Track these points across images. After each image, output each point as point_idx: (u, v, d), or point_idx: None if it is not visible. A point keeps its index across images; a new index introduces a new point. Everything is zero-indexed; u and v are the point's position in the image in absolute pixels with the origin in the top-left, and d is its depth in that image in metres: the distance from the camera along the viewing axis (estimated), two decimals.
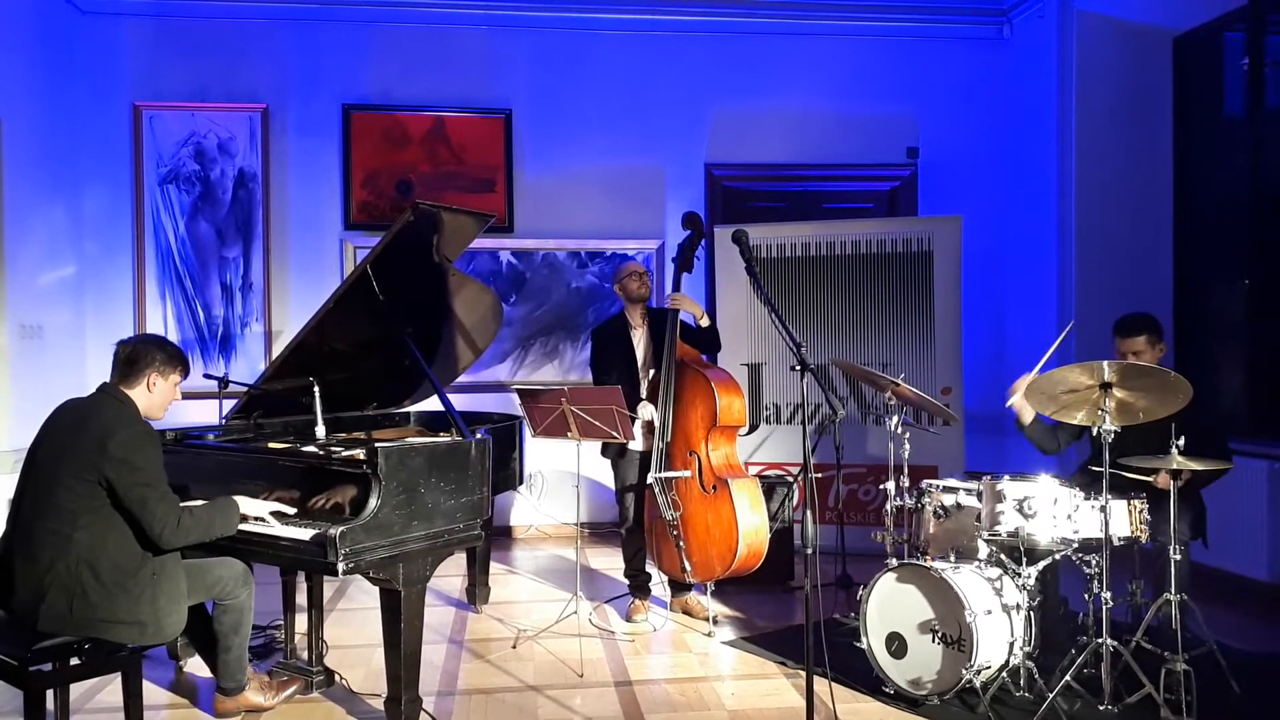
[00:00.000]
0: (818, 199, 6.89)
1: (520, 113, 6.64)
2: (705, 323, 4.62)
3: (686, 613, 4.75)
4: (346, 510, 3.21)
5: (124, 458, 2.96)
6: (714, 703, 3.69)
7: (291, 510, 3.33)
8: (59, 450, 3.02)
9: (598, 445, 4.62)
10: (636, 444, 4.52)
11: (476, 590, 4.88)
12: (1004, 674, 3.52)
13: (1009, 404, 4.06)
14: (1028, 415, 4.06)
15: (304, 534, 3.13)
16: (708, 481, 4.39)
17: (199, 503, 3.22)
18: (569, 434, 4.19)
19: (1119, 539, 3.56)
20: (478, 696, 3.75)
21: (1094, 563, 3.52)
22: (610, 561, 5.70)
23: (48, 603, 2.93)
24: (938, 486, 4.00)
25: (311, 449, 3.51)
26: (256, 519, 3.26)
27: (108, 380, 3.17)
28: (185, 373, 3.30)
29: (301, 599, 3.95)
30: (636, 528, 4.65)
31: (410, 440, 3.45)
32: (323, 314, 3.66)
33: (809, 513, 2.95)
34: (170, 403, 3.25)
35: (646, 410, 4.50)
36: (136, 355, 3.18)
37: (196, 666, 3.87)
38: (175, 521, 3.01)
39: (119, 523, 3.00)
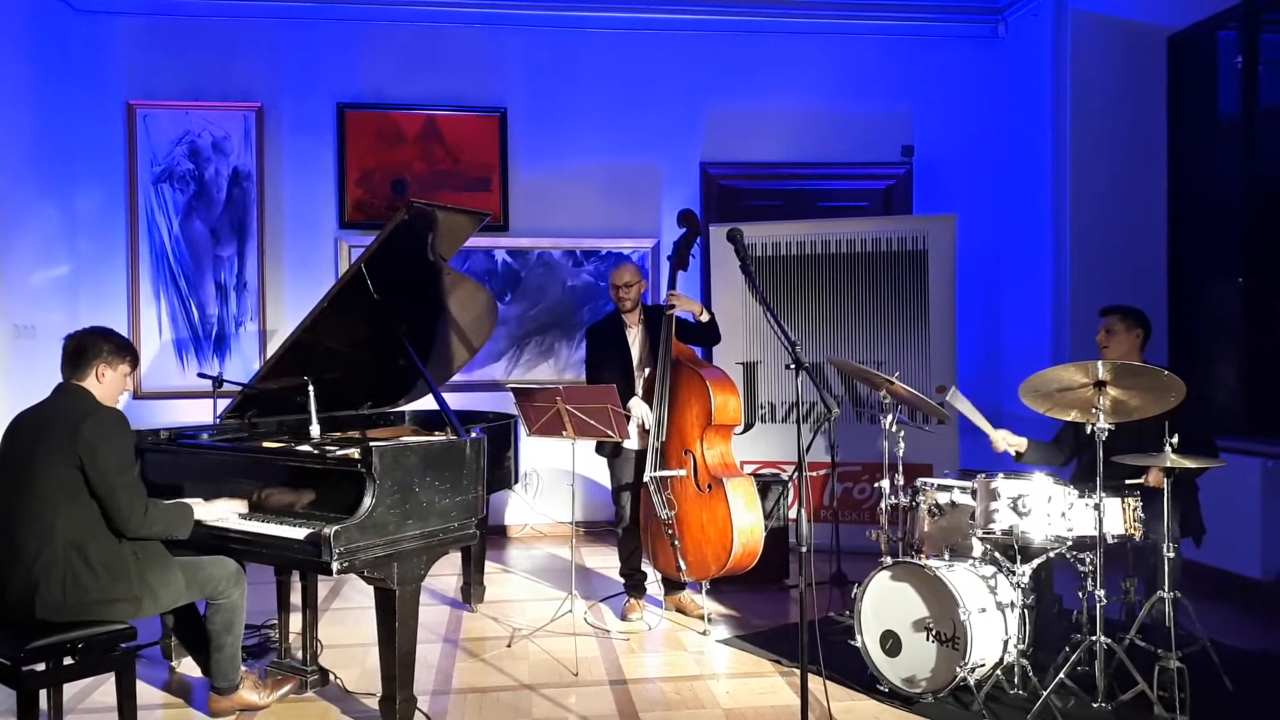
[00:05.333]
0: (813, 197, 6.89)
1: (515, 111, 6.64)
2: (705, 318, 4.62)
3: (680, 611, 4.75)
4: (341, 509, 3.21)
5: (96, 442, 2.99)
6: (709, 701, 3.69)
7: (243, 505, 3.36)
8: (32, 445, 3.04)
9: (593, 444, 4.62)
10: (632, 443, 4.52)
11: (471, 589, 4.88)
12: (998, 672, 3.53)
13: (998, 449, 4.14)
14: (1020, 445, 4.15)
15: (298, 533, 3.12)
16: (703, 480, 4.39)
17: (164, 502, 3.23)
18: (564, 433, 4.19)
19: (1113, 537, 3.57)
20: (472, 695, 3.75)
21: (1088, 560, 3.53)
22: (605, 560, 5.70)
23: (41, 592, 2.95)
24: (932, 485, 4.01)
25: (306, 448, 3.50)
26: (217, 520, 3.29)
27: (61, 380, 3.18)
28: (134, 363, 3.28)
29: (296, 598, 3.94)
30: (633, 527, 4.65)
31: (405, 439, 3.45)
32: (317, 313, 3.65)
33: (804, 511, 2.95)
34: (120, 393, 3.24)
35: (638, 408, 4.48)
36: (83, 347, 3.16)
37: (190, 666, 3.85)
38: (143, 510, 3.05)
39: (97, 509, 3.04)
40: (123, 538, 3.08)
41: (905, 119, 6.91)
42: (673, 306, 4.51)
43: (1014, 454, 4.17)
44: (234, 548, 3.31)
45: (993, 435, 4.15)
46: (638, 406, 4.48)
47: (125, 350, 3.24)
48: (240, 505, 3.37)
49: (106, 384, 3.17)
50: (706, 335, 4.72)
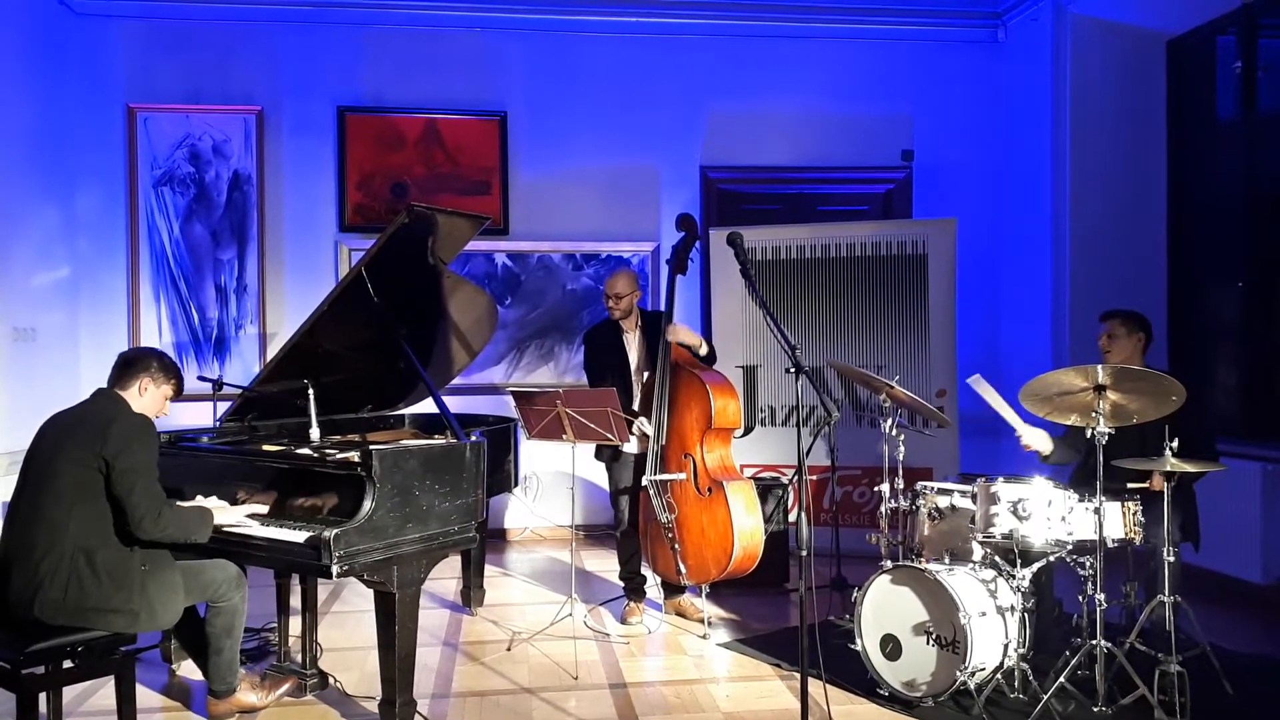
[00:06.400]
0: (813, 201, 6.90)
1: (515, 115, 6.64)
2: (704, 351, 4.56)
3: (680, 614, 4.75)
4: (341, 512, 3.21)
5: (123, 442, 3.04)
6: (709, 705, 3.69)
7: (264, 508, 3.37)
8: (59, 441, 3.09)
9: (593, 448, 4.61)
10: (631, 446, 4.52)
11: (471, 593, 4.88)
12: (998, 676, 3.53)
13: (1027, 446, 4.07)
14: (1047, 446, 4.10)
15: (298, 536, 3.13)
16: (703, 484, 4.39)
17: (182, 504, 3.26)
18: (564, 436, 4.19)
19: (1113, 541, 3.57)
20: (472, 699, 3.75)
21: (1088, 564, 3.52)
22: (605, 564, 5.70)
23: (43, 590, 2.96)
24: (932, 488, 4.01)
25: (306, 451, 3.50)
26: (233, 525, 3.29)
27: (103, 386, 3.26)
28: (178, 388, 3.36)
29: (296, 601, 3.94)
30: (632, 530, 4.65)
31: (405, 443, 3.45)
32: (317, 316, 3.65)
33: (804, 515, 2.95)
34: (157, 414, 3.29)
35: (641, 425, 4.47)
36: (134, 358, 3.29)
37: (190, 669, 3.85)
38: (157, 513, 3.05)
39: (110, 515, 3.05)
40: (134, 547, 3.08)
41: (905, 123, 6.91)
42: (669, 334, 4.47)
43: (1040, 455, 4.13)
44: (234, 551, 3.31)
45: (1022, 430, 4.06)
46: (640, 424, 4.44)
47: (172, 373, 3.33)
48: (260, 509, 3.37)
49: (146, 399, 3.25)
50: (704, 361, 4.68)
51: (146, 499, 3.04)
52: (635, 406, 4.57)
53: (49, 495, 3.03)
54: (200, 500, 3.35)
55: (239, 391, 4.04)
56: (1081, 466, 4.15)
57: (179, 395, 3.39)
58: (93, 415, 3.12)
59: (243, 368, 6.36)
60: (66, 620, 2.98)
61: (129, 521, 3.03)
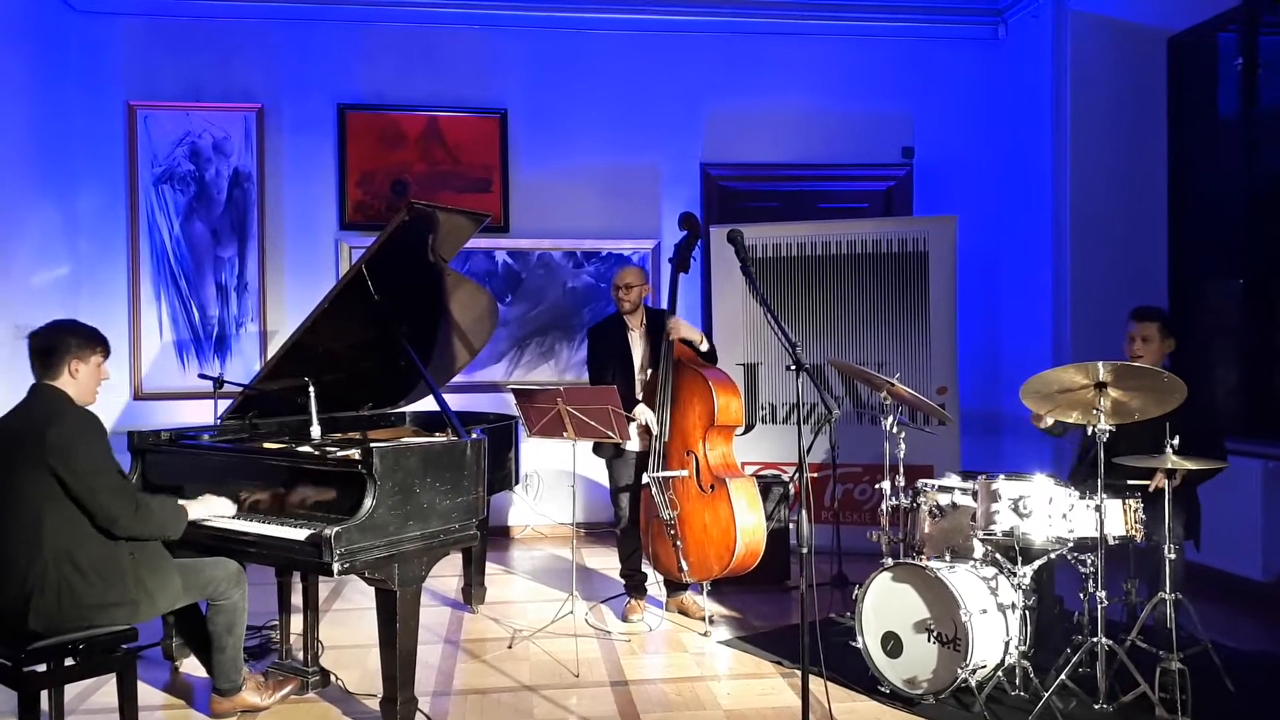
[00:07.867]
0: (813, 199, 6.89)
1: (515, 112, 6.64)
2: (705, 347, 4.57)
3: (682, 612, 4.75)
4: (342, 510, 3.21)
5: (64, 447, 2.89)
6: (710, 702, 3.69)
7: (233, 509, 3.36)
8: (7, 453, 2.95)
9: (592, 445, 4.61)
10: (633, 444, 4.52)
11: (472, 590, 4.88)
12: (999, 673, 3.53)
13: (1040, 426, 4.05)
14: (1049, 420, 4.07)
15: (299, 534, 3.13)
16: (705, 481, 4.39)
17: (156, 497, 3.20)
18: (565, 434, 4.18)
19: (1114, 538, 3.57)
20: (473, 697, 3.75)
21: (1089, 562, 3.53)
22: (606, 561, 5.70)
23: (35, 602, 2.90)
24: (933, 486, 4.01)
25: (307, 449, 3.50)
26: (211, 518, 3.29)
27: (34, 380, 3.08)
28: (105, 352, 3.14)
29: (297, 599, 3.94)
30: (632, 528, 4.65)
31: (406, 440, 3.45)
32: (318, 314, 3.65)
33: (805, 512, 2.95)
34: (98, 385, 3.12)
35: (644, 414, 4.48)
36: (51, 345, 3.04)
37: (192, 667, 3.86)
38: (132, 509, 2.98)
39: (82, 512, 2.96)
40: (117, 538, 3.02)
41: (905, 120, 6.91)
42: (672, 331, 4.49)
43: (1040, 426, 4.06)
44: (235, 549, 3.31)
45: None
46: (642, 413, 4.47)
47: (95, 340, 3.10)
48: (230, 506, 3.37)
49: (81, 380, 3.05)
50: (705, 359, 4.68)
51: (110, 498, 2.94)
52: (638, 397, 4.57)
53: (15, 507, 2.91)
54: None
55: (240, 389, 4.04)
56: (1082, 464, 4.15)
57: (109, 356, 3.17)
58: (30, 424, 2.94)
59: (243, 365, 6.36)
60: (67, 625, 2.93)
61: (101, 523, 2.94)
